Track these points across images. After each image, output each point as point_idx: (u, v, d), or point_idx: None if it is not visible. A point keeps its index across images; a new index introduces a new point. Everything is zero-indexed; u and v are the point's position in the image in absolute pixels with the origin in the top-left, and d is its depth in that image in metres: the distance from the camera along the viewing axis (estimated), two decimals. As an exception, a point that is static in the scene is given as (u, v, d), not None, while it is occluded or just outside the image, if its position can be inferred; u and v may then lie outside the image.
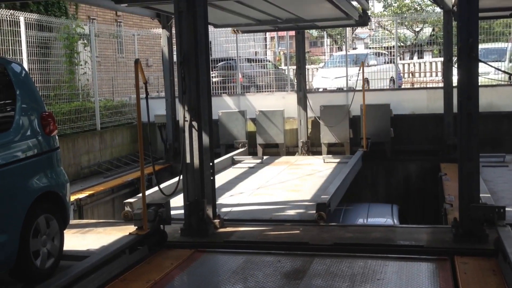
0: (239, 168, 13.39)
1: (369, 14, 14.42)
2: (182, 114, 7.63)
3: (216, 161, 13.37)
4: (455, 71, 11.36)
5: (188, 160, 7.66)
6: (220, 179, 11.66)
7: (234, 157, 14.21)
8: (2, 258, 5.31)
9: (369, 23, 15.52)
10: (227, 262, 6.86)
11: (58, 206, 6.20)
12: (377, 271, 6.23)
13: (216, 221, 7.89)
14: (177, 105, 11.08)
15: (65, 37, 14.03)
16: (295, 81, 16.13)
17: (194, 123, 7.59)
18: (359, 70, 14.61)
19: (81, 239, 7.37)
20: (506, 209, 6.94)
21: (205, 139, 7.75)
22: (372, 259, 6.58)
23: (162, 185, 7.94)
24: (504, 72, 12.96)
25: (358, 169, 13.20)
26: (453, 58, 13.34)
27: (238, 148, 15.22)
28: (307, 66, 16.85)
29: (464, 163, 6.88)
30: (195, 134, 7.60)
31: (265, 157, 14.41)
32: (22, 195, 5.63)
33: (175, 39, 7.67)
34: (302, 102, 15.37)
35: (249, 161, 14.01)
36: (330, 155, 14.42)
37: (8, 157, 5.59)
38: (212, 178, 7.91)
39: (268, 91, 18.09)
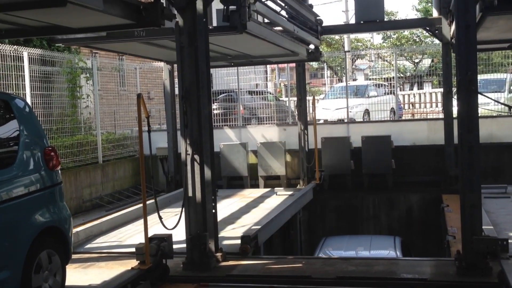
0: None
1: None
2: (184, 147, 7.68)
3: (172, 193, 13.55)
4: (455, 102, 11.43)
5: (190, 194, 7.68)
6: (168, 213, 11.02)
7: None
8: (4, 295, 5.29)
9: (321, 58, 15.69)
10: (229, 296, 6.83)
11: (61, 241, 6.19)
12: (380, 305, 6.20)
13: (218, 254, 7.87)
14: (179, 138, 11.13)
15: (68, 71, 14.17)
16: (296, 112, 16.22)
17: (196, 157, 7.64)
18: (312, 103, 15.02)
19: (83, 274, 7.34)
20: (509, 241, 6.94)
21: (207, 172, 7.78)
22: (375, 293, 6.55)
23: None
24: (503, 104, 12.98)
25: (307, 202, 13.36)
26: (453, 89, 13.42)
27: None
28: (307, 98, 16.96)
29: (466, 195, 6.90)
30: (197, 167, 7.65)
31: (222, 190, 14.39)
32: (25, 231, 5.62)
33: (176, 72, 7.78)
34: (303, 134, 15.42)
35: None
36: (282, 188, 14.58)
37: (11, 192, 5.61)
38: (214, 211, 7.92)
39: (269, 123, 18.17)
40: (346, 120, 16.95)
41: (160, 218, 7.38)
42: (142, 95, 7.33)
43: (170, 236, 7.37)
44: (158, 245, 7.15)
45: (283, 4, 11.33)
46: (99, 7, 6.27)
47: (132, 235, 9.98)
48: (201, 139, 7.68)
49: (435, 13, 14.37)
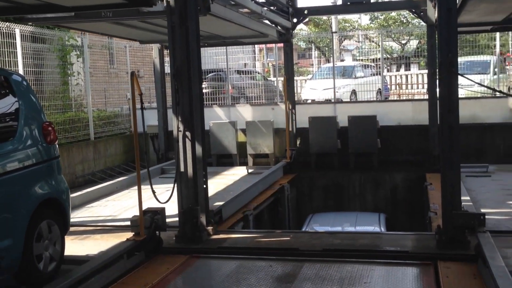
0: (164, 178, 13.35)
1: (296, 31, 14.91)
2: (175, 124, 7.89)
3: (144, 171, 13.61)
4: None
5: (182, 169, 7.93)
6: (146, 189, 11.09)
7: (163, 167, 14.35)
8: (7, 262, 5.55)
9: (292, 39, 15.89)
10: (220, 267, 7.13)
11: (59, 212, 6.45)
12: (364, 275, 6.53)
13: (210, 228, 8.15)
14: (169, 116, 11.22)
15: (59, 49, 14.29)
16: (284, 92, 16.43)
17: (188, 133, 7.87)
18: (283, 83, 15.26)
19: (80, 245, 7.60)
20: (486, 216, 7.28)
21: (198, 148, 8.02)
22: (359, 264, 6.87)
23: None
24: (485, 86, 13.24)
25: (276, 179, 13.52)
26: (437, 70, 13.63)
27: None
28: (295, 78, 17.17)
29: (446, 173, 7.18)
30: (188, 144, 7.88)
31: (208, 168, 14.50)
32: (26, 202, 5.87)
33: (166, 51, 7.96)
34: (291, 113, 15.65)
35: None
36: (255, 166, 14.86)
37: (12, 165, 5.85)
38: (205, 186, 8.18)
39: (257, 102, 18.39)
40: (333, 100, 17.22)
41: (154, 192, 7.61)
42: (135, 73, 7.54)
43: (163, 209, 7.62)
44: (152, 218, 7.40)
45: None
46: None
47: (103, 210, 10.20)
48: (192, 116, 7.90)
49: (421, -5, 14.57)
